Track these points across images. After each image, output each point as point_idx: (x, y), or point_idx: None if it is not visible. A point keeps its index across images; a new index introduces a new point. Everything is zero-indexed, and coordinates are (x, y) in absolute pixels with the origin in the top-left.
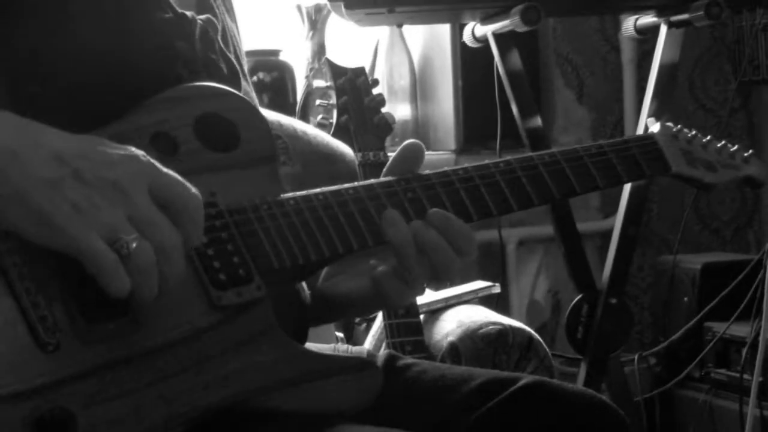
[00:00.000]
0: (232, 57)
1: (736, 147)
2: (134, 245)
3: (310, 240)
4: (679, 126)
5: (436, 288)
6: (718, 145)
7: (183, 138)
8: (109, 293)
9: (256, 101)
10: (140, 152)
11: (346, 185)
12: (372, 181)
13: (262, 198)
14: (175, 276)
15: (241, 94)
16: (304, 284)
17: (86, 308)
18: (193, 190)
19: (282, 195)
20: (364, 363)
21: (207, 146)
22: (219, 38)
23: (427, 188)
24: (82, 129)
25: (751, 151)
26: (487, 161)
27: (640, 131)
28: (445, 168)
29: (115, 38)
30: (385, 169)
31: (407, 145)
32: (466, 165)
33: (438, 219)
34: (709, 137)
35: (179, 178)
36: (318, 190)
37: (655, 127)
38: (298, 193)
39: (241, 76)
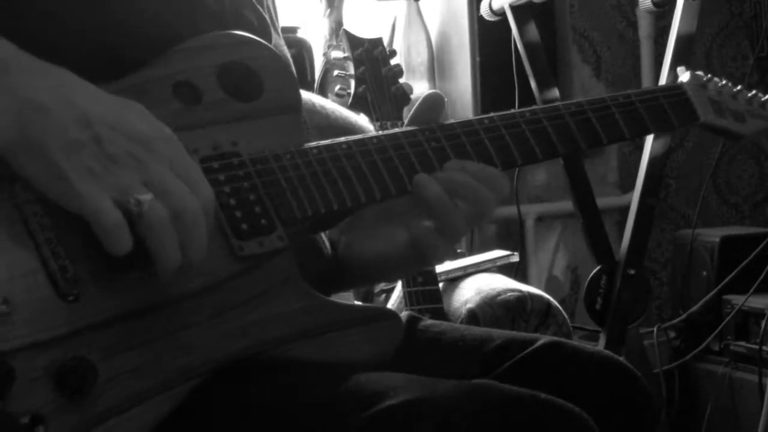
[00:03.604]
0: (263, 9)
1: (766, 97)
2: (147, 204)
3: (333, 189)
4: (709, 75)
5: (461, 239)
6: (749, 95)
7: (206, 87)
8: (107, 250)
9: (286, 52)
10: (168, 131)
11: (370, 134)
12: (396, 130)
13: (284, 147)
14: (197, 243)
15: (264, 42)
16: (326, 241)
17: (108, 259)
18: (207, 183)
19: (305, 144)
20: (385, 313)
21: (230, 95)
22: None
23: (451, 137)
24: (101, 79)
25: None
26: (513, 110)
27: None
28: (470, 117)
29: None
30: (407, 120)
31: (429, 96)
32: (491, 114)
33: (470, 167)
34: (739, 87)
35: (198, 166)
36: (342, 139)
37: (684, 76)
38: (322, 143)
39: (272, 28)
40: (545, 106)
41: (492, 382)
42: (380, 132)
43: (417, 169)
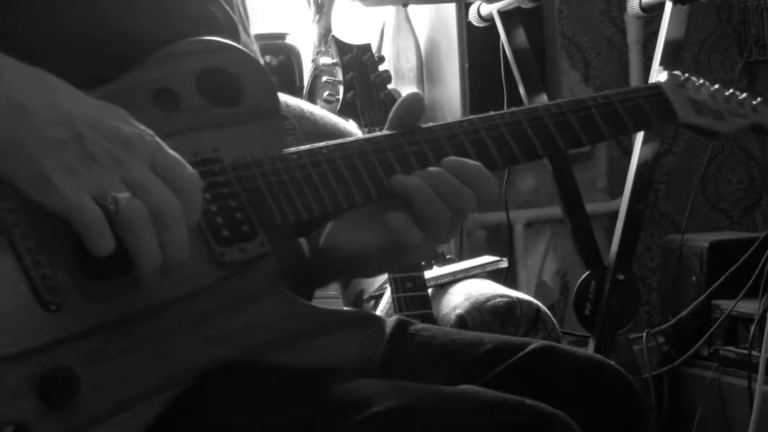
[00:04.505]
0: (231, 10)
1: (744, 95)
2: (124, 201)
3: (314, 195)
4: (687, 75)
5: (450, 236)
6: (727, 93)
7: (185, 93)
8: (91, 251)
9: (257, 54)
10: (149, 132)
11: (350, 139)
12: (376, 134)
13: (265, 153)
14: (176, 242)
15: (243, 49)
16: (304, 241)
17: (89, 267)
18: (192, 170)
19: (285, 150)
20: (368, 317)
21: (210, 101)
22: None
23: (431, 141)
24: (80, 88)
25: (759, 99)
26: (492, 112)
27: None
28: (449, 120)
29: None
30: (387, 123)
31: (407, 97)
32: (471, 116)
33: (450, 164)
34: (717, 86)
35: (181, 159)
36: (322, 144)
37: (662, 76)
38: (302, 148)
39: (240, 28)
40: (524, 107)
41: (477, 388)
42: (361, 136)
43: (397, 173)
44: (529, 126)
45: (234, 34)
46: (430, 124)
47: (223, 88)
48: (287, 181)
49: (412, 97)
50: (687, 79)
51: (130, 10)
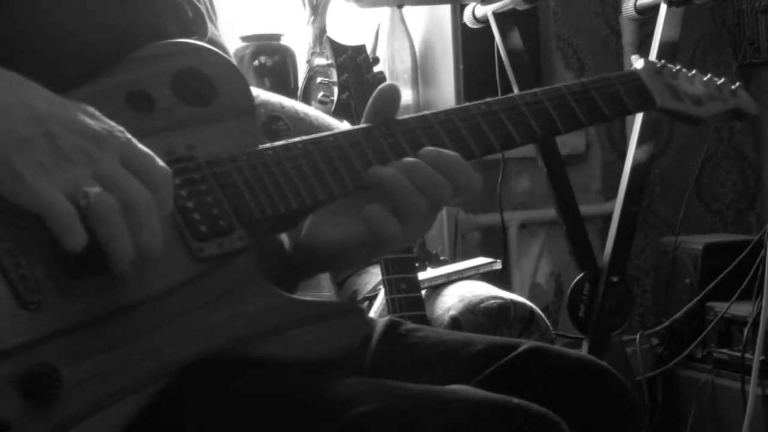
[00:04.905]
0: (197, 2)
1: (723, 80)
2: (94, 195)
3: (291, 188)
4: (663, 61)
5: (428, 226)
6: (705, 78)
7: (159, 95)
8: (63, 246)
9: (226, 47)
10: (119, 128)
11: (325, 134)
12: (352, 127)
13: (241, 150)
14: (149, 235)
15: (217, 50)
16: (285, 236)
17: (67, 265)
18: (162, 163)
19: (261, 146)
20: (348, 307)
21: (184, 102)
22: None
23: (407, 132)
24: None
25: (738, 83)
26: (467, 103)
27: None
28: (425, 112)
29: None
30: (364, 116)
31: (382, 89)
32: (446, 108)
33: (429, 154)
34: (694, 71)
35: (151, 153)
36: (297, 139)
37: (638, 64)
38: (277, 143)
39: (207, 19)
40: (500, 97)
41: (466, 388)
42: (335, 131)
43: (373, 164)
44: (505, 115)
45: (202, 27)
46: (406, 116)
47: (198, 89)
48: (263, 175)
49: (389, 89)
50: (664, 66)
51: (96, 4)
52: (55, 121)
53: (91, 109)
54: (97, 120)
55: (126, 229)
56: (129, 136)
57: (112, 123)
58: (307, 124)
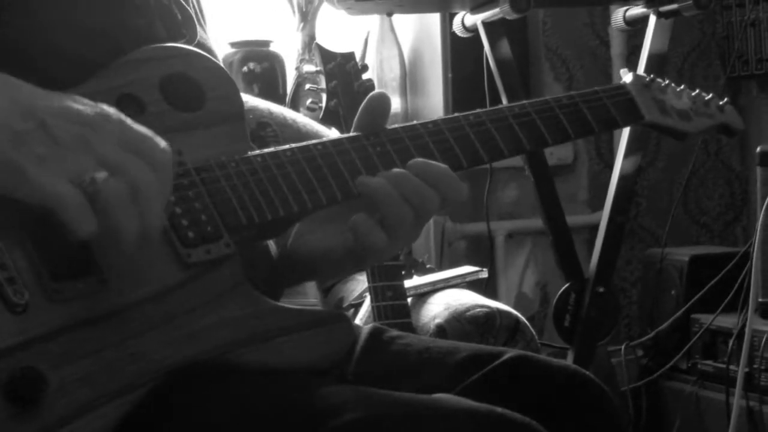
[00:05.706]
0: (187, 4)
1: (710, 96)
2: (102, 180)
3: (278, 196)
4: (651, 75)
5: (413, 237)
6: (693, 94)
7: (149, 99)
8: (74, 235)
9: (215, 51)
10: (112, 110)
11: (314, 141)
12: (341, 136)
13: (229, 156)
14: (155, 216)
15: (206, 54)
16: (272, 243)
17: (54, 269)
18: (163, 143)
19: (250, 152)
20: (335, 315)
21: (173, 106)
22: None
23: (396, 141)
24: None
25: (726, 99)
26: (456, 114)
27: None
28: (415, 122)
29: None
30: (354, 124)
31: (372, 97)
32: (436, 118)
33: (417, 166)
34: (682, 86)
35: (148, 132)
36: (286, 146)
37: (627, 77)
38: (266, 150)
39: (197, 22)
40: (489, 109)
41: (450, 396)
42: (325, 139)
43: (362, 173)
44: (493, 126)
45: (191, 30)
46: (395, 125)
47: (187, 93)
48: (251, 182)
49: (379, 97)
50: (652, 80)
51: (86, 8)
52: (47, 112)
53: (80, 97)
54: (88, 106)
55: (135, 212)
56: (123, 117)
57: (104, 106)
58: (295, 131)
